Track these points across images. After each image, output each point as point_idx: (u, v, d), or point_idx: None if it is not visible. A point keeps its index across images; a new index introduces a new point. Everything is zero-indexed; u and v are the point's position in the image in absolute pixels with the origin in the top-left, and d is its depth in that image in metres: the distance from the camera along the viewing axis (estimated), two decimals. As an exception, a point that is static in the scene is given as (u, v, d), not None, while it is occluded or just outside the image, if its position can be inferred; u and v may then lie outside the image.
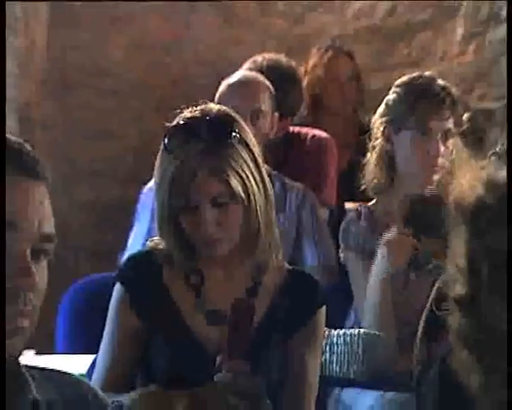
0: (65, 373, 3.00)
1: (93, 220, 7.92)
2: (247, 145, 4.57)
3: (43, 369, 2.92)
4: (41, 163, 2.67)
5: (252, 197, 4.54)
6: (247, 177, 4.53)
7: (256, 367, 4.34)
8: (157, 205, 4.65)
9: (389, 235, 5.17)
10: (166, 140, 4.53)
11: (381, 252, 5.21)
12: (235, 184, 4.46)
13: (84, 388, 2.98)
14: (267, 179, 4.69)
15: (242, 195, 4.45)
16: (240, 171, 4.51)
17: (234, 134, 4.56)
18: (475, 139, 6.16)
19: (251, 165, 4.58)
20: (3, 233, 2.62)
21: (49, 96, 8.55)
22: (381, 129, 5.85)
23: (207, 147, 4.48)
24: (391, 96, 5.91)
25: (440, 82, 5.95)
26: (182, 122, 4.58)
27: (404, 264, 5.42)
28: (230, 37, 8.43)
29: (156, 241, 4.74)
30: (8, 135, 2.73)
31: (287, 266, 4.68)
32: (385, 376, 5.28)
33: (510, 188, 2.69)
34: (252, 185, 4.56)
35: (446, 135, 5.70)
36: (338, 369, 5.32)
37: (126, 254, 5.60)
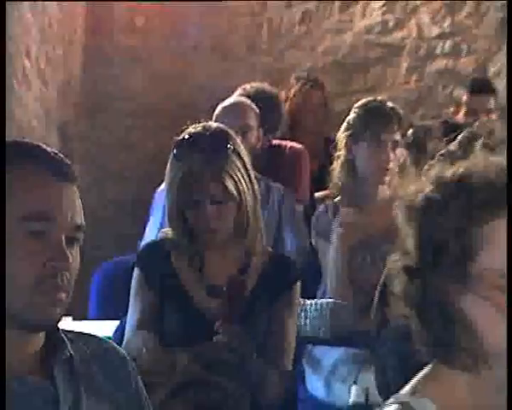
0: (94, 336, 3.04)
1: (118, 214, 7.92)
2: (239, 155, 4.64)
3: (77, 332, 2.95)
4: (72, 168, 2.73)
5: (243, 196, 4.60)
6: (239, 180, 4.60)
7: (246, 330, 4.39)
8: (167, 202, 4.73)
9: (341, 219, 5.32)
10: (175, 150, 4.62)
11: (335, 233, 5.35)
12: (230, 186, 4.53)
13: (109, 347, 3.02)
14: (255, 182, 4.75)
15: (235, 194, 4.53)
16: (234, 175, 4.58)
17: (229, 146, 4.64)
18: (417, 149, 6.18)
19: (242, 170, 4.64)
20: (3, 233, 2.66)
21: (84, 117, 8.54)
22: (344, 142, 5.84)
23: (208, 156, 4.58)
24: (351, 116, 5.91)
25: (389, 104, 5.99)
26: (187, 136, 4.65)
27: (353, 243, 5.53)
28: (225, 70, 8.36)
29: (166, 231, 4.84)
30: (45, 146, 2.76)
31: (270, 250, 4.78)
32: (347, 336, 5.27)
33: (510, 187, 2.75)
34: (243, 187, 4.62)
35: (395, 145, 5.70)
36: (311, 330, 5.28)
37: (143, 242, 5.74)
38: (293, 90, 8.03)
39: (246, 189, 4.68)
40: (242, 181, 4.67)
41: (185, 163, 4.65)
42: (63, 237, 2.60)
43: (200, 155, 4.62)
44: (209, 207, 4.53)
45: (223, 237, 4.63)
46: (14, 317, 2.63)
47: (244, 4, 8.90)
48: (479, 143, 4.74)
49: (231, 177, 4.62)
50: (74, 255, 2.63)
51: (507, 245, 2.76)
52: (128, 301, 4.71)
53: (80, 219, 2.66)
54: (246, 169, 4.72)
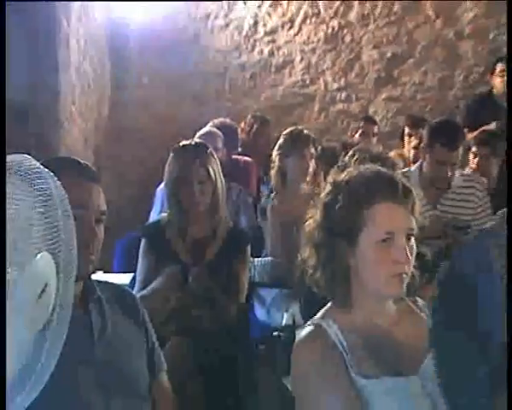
0: (115, 284, 3.15)
1: (131, 206, 7.62)
2: (213, 155, 4.65)
3: (105, 281, 3.04)
4: (97, 173, 2.89)
5: (218, 181, 4.58)
6: (216, 169, 4.59)
7: (214, 276, 4.43)
8: (167, 188, 4.71)
9: (275, 206, 5.44)
10: (174, 153, 4.65)
11: (271, 214, 5.45)
12: (211, 170, 4.52)
13: (126, 291, 3.13)
14: (222, 175, 4.76)
15: (213, 177, 4.52)
16: (212, 165, 4.57)
17: (209, 150, 4.67)
18: (325, 161, 5.80)
19: (216, 164, 4.63)
20: (4, 233, 2.34)
21: (110, 143, 8.29)
22: (278, 157, 5.84)
23: (196, 156, 4.56)
24: (281, 140, 5.89)
25: (306, 131, 5.96)
26: (181, 145, 4.70)
27: (282, 221, 5.51)
28: (200, 112, 8.11)
29: (163, 215, 4.85)
30: (80, 160, 2.92)
31: (231, 223, 4.77)
32: (281, 281, 5.25)
33: (511, 187, 2.78)
34: (218, 174, 4.59)
35: (311, 158, 5.73)
36: (258, 278, 5.31)
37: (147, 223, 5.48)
38: (250, 124, 7.81)
39: (218, 176, 4.63)
40: (216, 170, 4.63)
41: (180, 158, 4.64)
42: (93, 219, 2.74)
43: (191, 153, 4.63)
44: (196, 185, 4.48)
45: (202, 209, 4.56)
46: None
47: (213, 69, 8.57)
48: (359, 158, 4.61)
49: (211, 165, 4.59)
50: (100, 231, 2.76)
51: (507, 244, 2.83)
52: (136, 261, 4.71)
53: (104, 206, 2.79)
54: (217, 164, 4.69)
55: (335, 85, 8.64)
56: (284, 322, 4.57)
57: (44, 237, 2.02)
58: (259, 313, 5.18)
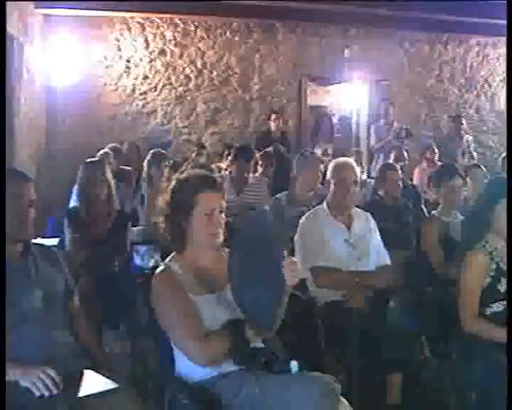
0: (46, 245, 2.90)
1: (60, 193, 6.49)
2: (107, 166, 4.53)
3: (40, 244, 2.83)
4: (29, 177, 2.64)
5: (111, 181, 4.44)
6: (109, 174, 4.45)
7: (110, 240, 4.28)
8: (79, 186, 4.48)
9: None
10: (82, 166, 4.51)
11: None
12: (107, 175, 4.42)
13: (51, 249, 2.85)
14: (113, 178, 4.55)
15: (108, 179, 4.39)
16: (108, 172, 4.42)
17: (105, 163, 4.57)
18: (176, 169, 4.40)
19: (109, 171, 4.50)
20: (3, 234, 2.39)
21: (45, 158, 7.79)
22: (147, 167, 5.65)
23: (97, 168, 4.46)
24: (148, 156, 5.72)
25: (163, 151, 5.84)
26: (88, 161, 4.54)
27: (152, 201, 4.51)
28: (101, 140, 7.60)
29: (77, 204, 4.48)
30: (22, 170, 2.70)
31: (119, 208, 4.59)
32: (149, 240, 4.75)
33: (511, 187, 2.84)
34: (111, 177, 4.46)
35: (165, 166, 5.33)
36: (136, 239, 4.86)
37: (71, 205, 5.11)
38: (131, 148, 7.43)
39: (110, 178, 4.50)
40: (109, 175, 4.50)
41: (87, 169, 4.44)
42: (27, 204, 2.53)
43: (94, 165, 4.51)
44: (98, 186, 4.37)
45: (102, 198, 4.38)
46: (11, 236, 2.51)
47: (107, 115, 8.35)
48: (193, 166, 4.50)
49: (106, 172, 4.45)
50: (32, 211, 2.54)
51: (507, 243, 3.03)
52: (62, 231, 4.47)
53: (33, 196, 2.55)
54: (109, 171, 4.57)
55: (181, 124, 8.79)
56: (151, 264, 4.46)
57: None
58: (137, 259, 4.79)
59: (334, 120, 9.41)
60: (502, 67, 10.13)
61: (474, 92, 10.11)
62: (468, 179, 5.19)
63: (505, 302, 3.04)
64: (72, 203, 5.13)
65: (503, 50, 10.03)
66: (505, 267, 3.09)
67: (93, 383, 2.43)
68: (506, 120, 5.39)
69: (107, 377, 2.47)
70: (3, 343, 2.26)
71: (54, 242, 4.30)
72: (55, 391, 2.28)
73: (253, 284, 2.35)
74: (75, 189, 4.98)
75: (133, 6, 7.79)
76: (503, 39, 9.26)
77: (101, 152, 6.47)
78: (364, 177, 7.11)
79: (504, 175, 6.31)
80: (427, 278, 4.04)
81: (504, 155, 7.53)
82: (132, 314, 3.68)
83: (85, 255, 4.22)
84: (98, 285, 3.93)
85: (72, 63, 8.03)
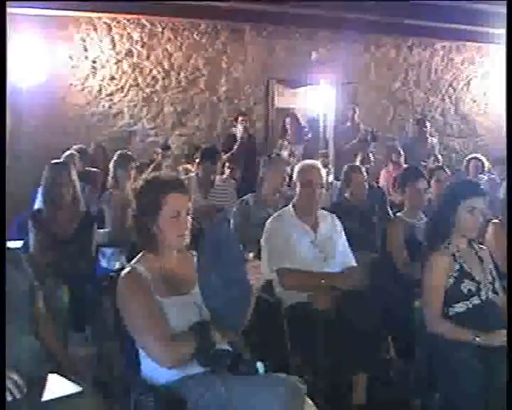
0: (10, 248, 2.80)
1: (25, 194, 6.40)
2: (72, 167, 4.47)
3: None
4: None
5: (75, 182, 4.42)
6: (74, 175, 4.42)
7: (76, 242, 4.24)
8: (43, 187, 4.41)
9: None
10: (47, 167, 4.45)
11: None
12: (72, 176, 4.41)
13: (16, 251, 2.86)
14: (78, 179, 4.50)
15: (73, 180, 4.39)
16: (73, 173, 4.40)
17: (70, 164, 4.53)
18: (141, 170, 5.36)
19: (75, 172, 4.47)
20: (4, 232, 2.51)
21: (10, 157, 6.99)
22: (113, 168, 5.56)
23: (62, 168, 4.45)
24: (115, 157, 5.60)
25: (129, 153, 5.80)
26: (53, 162, 4.49)
27: (117, 203, 5.03)
28: (66, 141, 7.42)
29: (42, 206, 4.44)
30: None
31: (85, 209, 4.55)
32: (116, 243, 4.86)
33: (511, 187, 2.93)
34: (76, 178, 4.43)
35: (132, 168, 5.44)
36: (101, 241, 4.85)
37: (35, 207, 5.05)
38: (97, 148, 7.51)
39: (75, 179, 4.49)
40: (75, 176, 4.47)
41: (52, 169, 4.42)
42: None
43: (59, 166, 4.48)
44: (63, 187, 4.34)
45: (67, 199, 4.37)
46: None
47: (73, 116, 8.29)
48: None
49: (71, 173, 4.44)
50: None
51: (507, 244, 3.20)
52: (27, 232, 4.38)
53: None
54: (75, 172, 4.52)
55: (148, 126, 8.80)
56: (117, 266, 4.48)
57: None
58: (103, 262, 5.01)
59: (302, 122, 9.38)
60: (466, 72, 10.33)
61: (439, 96, 10.28)
62: (432, 181, 5.25)
63: (468, 302, 3.08)
64: (37, 205, 5.10)
65: (466, 55, 10.25)
66: (468, 268, 3.14)
67: (57, 386, 2.41)
68: (506, 120, 5.30)
69: (72, 381, 2.46)
70: (3, 344, 2.25)
71: (19, 244, 4.30)
72: (18, 396, 2.27)
73: (221, 286, 2.36)
74: (40, 190, 4.93)
75: (100, 6, 7.76)
76: (468, 44, 9.81)
77: (67, 153, 6.42)
78: (331, 179, 7.16)
79: (467, 177, 6.63)
80: (393, 279, 4.07)
81: (469, 157, 7.75)
82: (98, 317, 3.66)
83: (50, 257, 4.18)
84: (63, 287, 3.91)
85: (37, 63, 8.01)
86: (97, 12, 8.07)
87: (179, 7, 7.85)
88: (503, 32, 7.81)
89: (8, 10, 7.02)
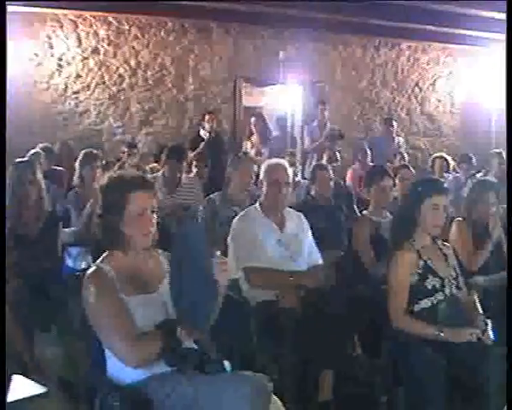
0: None
1: None
2: (37, 167, 4.43)
3: None
4: None
5: (41, 181, 4.40)
6: (39, 175, 4.39)
7: (42, 241, 4.23)
8: (9, 187, 4.29)
9: None
10: (12, 166, 4.34)
11: None
12: (37, 176, 4.39)
13: None
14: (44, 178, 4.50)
15: (38, 179, 4.37)
16: (38, 172, 4.38)
17: (35, 163, 4.50)
18: (108, 168, 5.52)
19: (40, 171, 4.43)
20: (4, 232, 2.62)
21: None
22: (79, 167, 5.54)
23: (26, 166, 4.42)
24: (80, 156, 5.57)
25: (95, 151, 5.67)
26: (17, 161, 4.46)
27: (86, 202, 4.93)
28: (33, 140, 7.18)
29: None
30: None
31: (50, 209, 4.51)
32: (82, 242, 4.82)
33: (511, 189, 2.89)
34: (41, 178, 4.43)
35: (97, 166, 5.43)
36: (68, 240, 4.81)
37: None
38: (63, 147, 7.48)
39: (40, 178, 4.47)
40: (40, 176, 4.46)
41: (18, 168, 4.38)
42: None
43: (24, 164, 4.45)
44: (27, 185, 4.33)
45: (33, 198, 4.36)
46: None
47: (40, 114, 8.19)
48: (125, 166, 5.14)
49: (36, 172, 4.42)
50: None
51: (507, 246, 3.33)
52: None
53: None
54: (40, 172, 4.49)
55: (116, 124, 8.75)
56: (83, 266, 4.53)
57: None
58: (69, 261, 4.94)
59: (267, 121, 9.41)
60: (432, 72, 10.45)
61: (406, 95, 10.42)
62: (397, 180, 5.32)
63: (433, 298, 3.12)
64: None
65: (432, 55, 10.37)
66: (432, 265, 3.19)
67: (22, 387, 2.39)
68: (506, 120, 5.31)
69: (37, 382, 2.44)
70: (3, 344, 2.21)
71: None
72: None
73: (189, 285, 2.34)
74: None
75: (65, 3, 7.71)
76: (434, 44, 9.89)
77: (32, 152, 6.39)
78: (298, 178, 7.20)
79: (432, 176, 6.73)
80: (359, 277, 4.10)
81: (434, 155, 7.89)
82: (64, 316, 3.64)
83: (15, 257, 4.09)
84: (29, 287, 3.90)
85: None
86: (63, 9, 8.01)
87: (146, 5, 7.86)
88: (466, 32, 8.32)
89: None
